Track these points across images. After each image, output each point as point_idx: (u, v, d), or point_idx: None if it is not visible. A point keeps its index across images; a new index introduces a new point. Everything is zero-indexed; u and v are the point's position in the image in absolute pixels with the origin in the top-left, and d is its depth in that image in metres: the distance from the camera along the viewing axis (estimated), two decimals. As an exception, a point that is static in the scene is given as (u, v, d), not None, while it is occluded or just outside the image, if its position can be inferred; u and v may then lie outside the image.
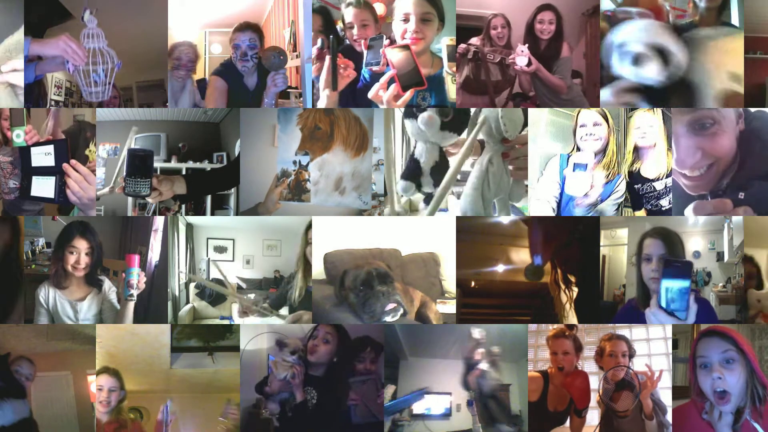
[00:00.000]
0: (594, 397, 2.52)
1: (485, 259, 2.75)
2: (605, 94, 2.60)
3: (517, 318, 2.70)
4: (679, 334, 2.66)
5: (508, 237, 2.76)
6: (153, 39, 2.76)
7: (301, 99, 2.82)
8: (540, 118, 2.73)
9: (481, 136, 2.42)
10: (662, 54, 2.46)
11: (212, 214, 3.16)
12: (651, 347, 2.63)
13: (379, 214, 2.70)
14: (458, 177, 2.44)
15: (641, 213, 2.70)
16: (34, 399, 2.53)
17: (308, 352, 2.52)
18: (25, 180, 2.59)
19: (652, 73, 2.48)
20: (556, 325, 2.63)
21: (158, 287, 2.80)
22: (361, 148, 2.64)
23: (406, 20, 2.54)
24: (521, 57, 2.72)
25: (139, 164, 2.45)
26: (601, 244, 2.70)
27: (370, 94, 2.40)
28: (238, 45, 2.83)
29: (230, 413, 2.57)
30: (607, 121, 2.65)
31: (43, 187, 2.57)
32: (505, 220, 2.67)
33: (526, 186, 2.59)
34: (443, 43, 2.67)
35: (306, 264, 2.72)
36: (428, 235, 3.01)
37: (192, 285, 3.15)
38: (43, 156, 2.57)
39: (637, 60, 2.47)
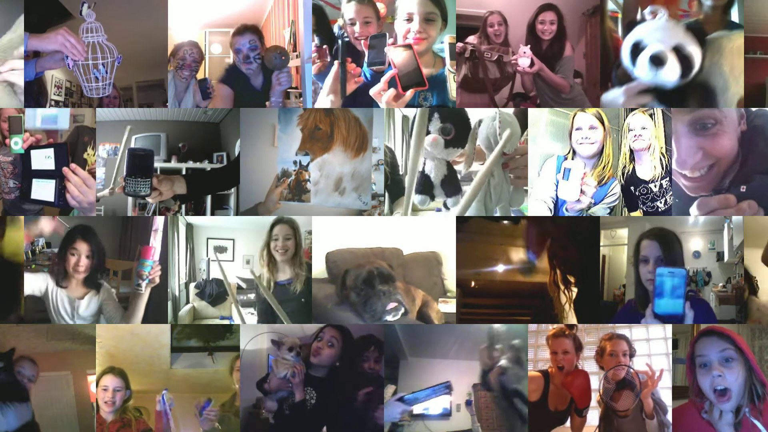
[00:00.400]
0: (594, 397, 2.52)
1: (485, 259, 2.75)
2: (616, 94, 2.56)
3: (517, 318, 2.70)
4: (679, 334, 2.66)
5: (508, 237, 2.76)
6: (153, 39, 2.75)
7: (301, 99, 2.82)
8: (540, 118, 2.73)
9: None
10: (682, 55, 2.40)
11: (212, 214, 3.16)
12: (651, 347, 2.63)
13: (379, 214, 2.70)
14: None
15: (637, 213, 2.70)
16: (34, 399, 2.52)
17: (312, 353, 2.52)
18: (25, 182, 2.58)
19: (670, 75, 2.42)
20: (555, 325, 2.63)
21: (158, 287, 2.79)
22: (360, 149, 2.64)
23: (410, 20, 2.54)
24: (523, 58, 2.72)
25: (139, 164, 2.44)
26: (601, 244, 2.70)
27: (372, 92, 2.40)
28: (239, 49, 2.84)
29: (208, 415, 2.53)
30: (603, 124, 2.64)
31: (43, 190, 2.57)
32: (504, 220, 2.70)
33: (526, 191, 2.67)
34: (445, 40, 2.67)
35: (271, 258, 2.71)
36: (428, 235, 3.02)
37: (192, 285, 3.15)
38: (43, 159, 2.56)
39: (656, 61, 2.40)
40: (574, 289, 2.72)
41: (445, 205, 2.69)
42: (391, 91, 2.35)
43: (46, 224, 2.62)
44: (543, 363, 2.63)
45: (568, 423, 2.56)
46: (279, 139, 2.66)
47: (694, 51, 2.41)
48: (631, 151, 2.68)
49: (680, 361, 2.61)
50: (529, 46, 2.73)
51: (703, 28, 2.49)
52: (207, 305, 3.16)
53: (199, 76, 2.91)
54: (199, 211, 3.14)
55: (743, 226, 2.62)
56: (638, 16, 2.53)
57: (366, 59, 2.50)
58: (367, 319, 2.50)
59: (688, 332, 2.65)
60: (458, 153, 2.62)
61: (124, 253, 2.76)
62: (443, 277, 3.00)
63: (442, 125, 2.53)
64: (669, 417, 2.44)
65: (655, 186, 2.64)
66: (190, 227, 3.14)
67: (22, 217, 2.63)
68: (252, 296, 2.92)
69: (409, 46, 2.41)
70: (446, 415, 2.61)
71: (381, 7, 2.72)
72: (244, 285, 3.06)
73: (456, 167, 2.66)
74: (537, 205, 2.69)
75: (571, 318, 2.68)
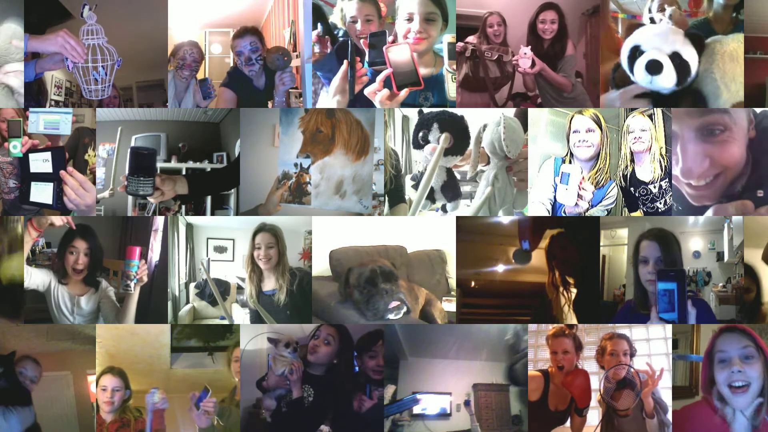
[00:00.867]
0: (595, 397, 2.52)
1: (485, 259, 2.75)
2: (614, 96, 2.57)
3: (517, 318, 2.70)
4: (679, 334, 2.67)
5: (508, 237, 2.76)
6: (153, 39, 2.75)
7: (301, 99, 2.82)
8: (540, 118, 2.73)
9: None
10: (679, 63, 2.38)
11: (212, 214, 3.15)
12: (651, 347, 2.64)
13: (379, 214, 2.70)
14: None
15: (638, 213, 2.70)
16: (35, 400, 2.52)
17: (309, 351, 2.52)
18: (24, 185, 2.58)
19: (666, 82, 2.41)
20: (555, 325, 2.63)
21: (158, 287, 2.79)
22: (362, 152, 2.63)
23: (410, 20, 2.54)
24: (524, 59, 2.72)
25: (142, 163, 2.41)
26: (601, 244, 2.70)
27: (367, 91, 2.40)
28: (241, 51, 2.84)
29: (206, 406, 2.44)
30: (600, 126, 2.64)
31: (41, 192, 2.56)
32: (505, 220, 2.69)
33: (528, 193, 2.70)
34: (444, 40, 2.67)
35: (254, 266, 2.70)
36: (428, 234, 3.02)
37: (192, 285, 3.15)
38: (41, 162, 2.55)
39: (652, 68, 2.39)
40: (573, 290, 2.72)
41: (443, 208, 2.74)
42: (385, 91, 2.34)
43: (57, 217, 2.61)
44: (543, 363, 2.63)
45: (568, 423, 2.56)
46: (280, 141, 2.65)
47: (692, 59, 2.40)
48: (632, 153, 2.68)
49: (680, 358, 2.63)
50: (530, 46, 2.73)
51: (712, 27, 2.48)
52: (207, 305, 3.15)
53: (199, 76, 2.91)
54: (199, 211, 3.14)
55: (743, 226, 2.62)
56: (646, 9, 2.54)
57: (367, 58, 2.49)
58: (369, 318, 2.50)
59: (688, 332, 2.66)
60: (457, 160, 2.67)
61: (124, 253, 2.75)
62: (448, 276, 3.01)
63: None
64: (669, 416, 2.44)
65: (655, 187, 2.63)
66: (190, 227, 3.14)
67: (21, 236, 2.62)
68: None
69: (405, 46, 2.39)
70: (446, 415, 2.61)
71: (381, 6, 2.73)
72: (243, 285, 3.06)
73: (461, 170, 2.74)
74: (535, 206, 2.69)
75: (571, 319, 2.68)
